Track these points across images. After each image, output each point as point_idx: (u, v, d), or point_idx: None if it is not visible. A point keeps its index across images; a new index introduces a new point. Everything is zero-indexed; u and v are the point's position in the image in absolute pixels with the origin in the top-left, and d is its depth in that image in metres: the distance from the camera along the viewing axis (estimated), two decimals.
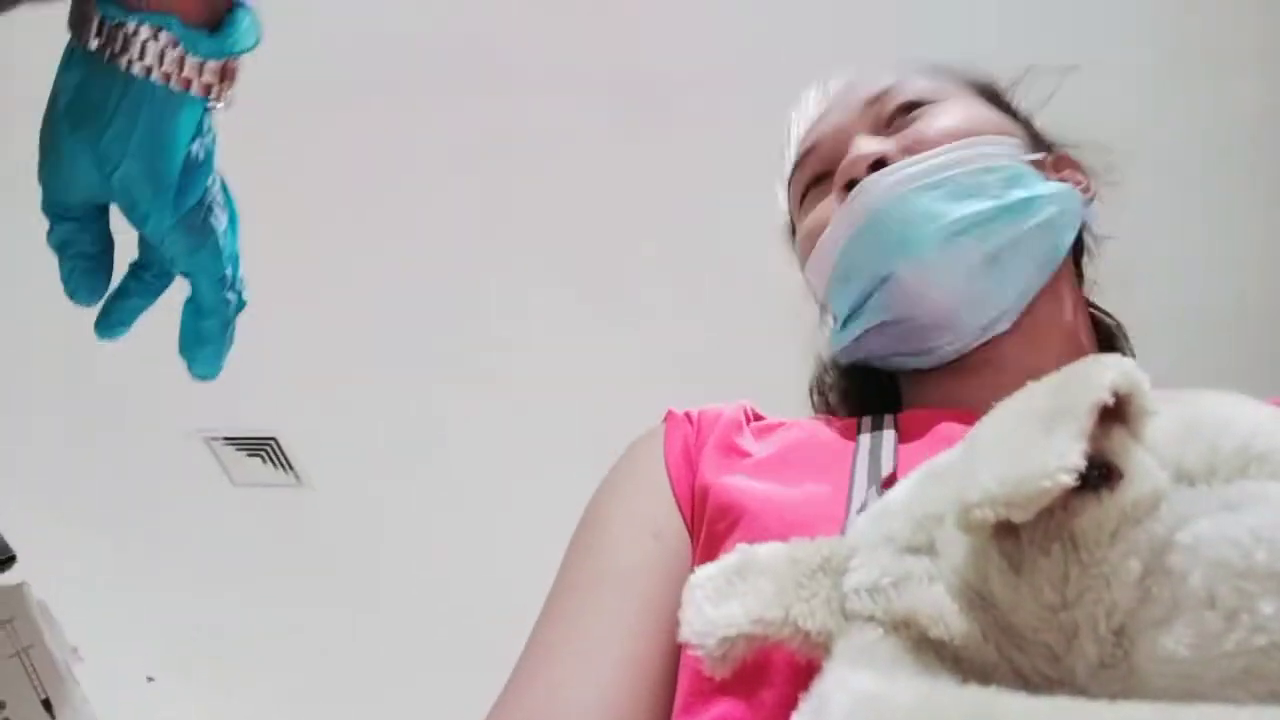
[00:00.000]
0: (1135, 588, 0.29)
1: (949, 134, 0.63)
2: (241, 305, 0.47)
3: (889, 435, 0.55)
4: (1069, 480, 0.28)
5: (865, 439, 0.55)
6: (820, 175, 0.69)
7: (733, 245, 1.94)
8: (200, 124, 0.43)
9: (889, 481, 0.49)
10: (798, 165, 0.71)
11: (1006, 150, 0.64)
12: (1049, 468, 0.29)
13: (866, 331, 0.64)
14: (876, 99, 0.67)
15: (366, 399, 2.46)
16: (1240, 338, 1.85)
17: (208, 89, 0.42)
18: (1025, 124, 0.70)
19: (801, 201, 0.71)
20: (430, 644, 3.03)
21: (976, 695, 0.26)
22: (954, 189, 0.60)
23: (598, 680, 0.49)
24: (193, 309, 0.47)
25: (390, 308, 2.26)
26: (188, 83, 0.41)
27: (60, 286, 0.46)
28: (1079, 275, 0.70)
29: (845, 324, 0.65)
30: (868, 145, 0.64)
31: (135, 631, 3.20)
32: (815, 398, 0.76)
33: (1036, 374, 0.35)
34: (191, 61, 0.40)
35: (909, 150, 0.63)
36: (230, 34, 0.41)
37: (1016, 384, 0.38)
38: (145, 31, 0.39)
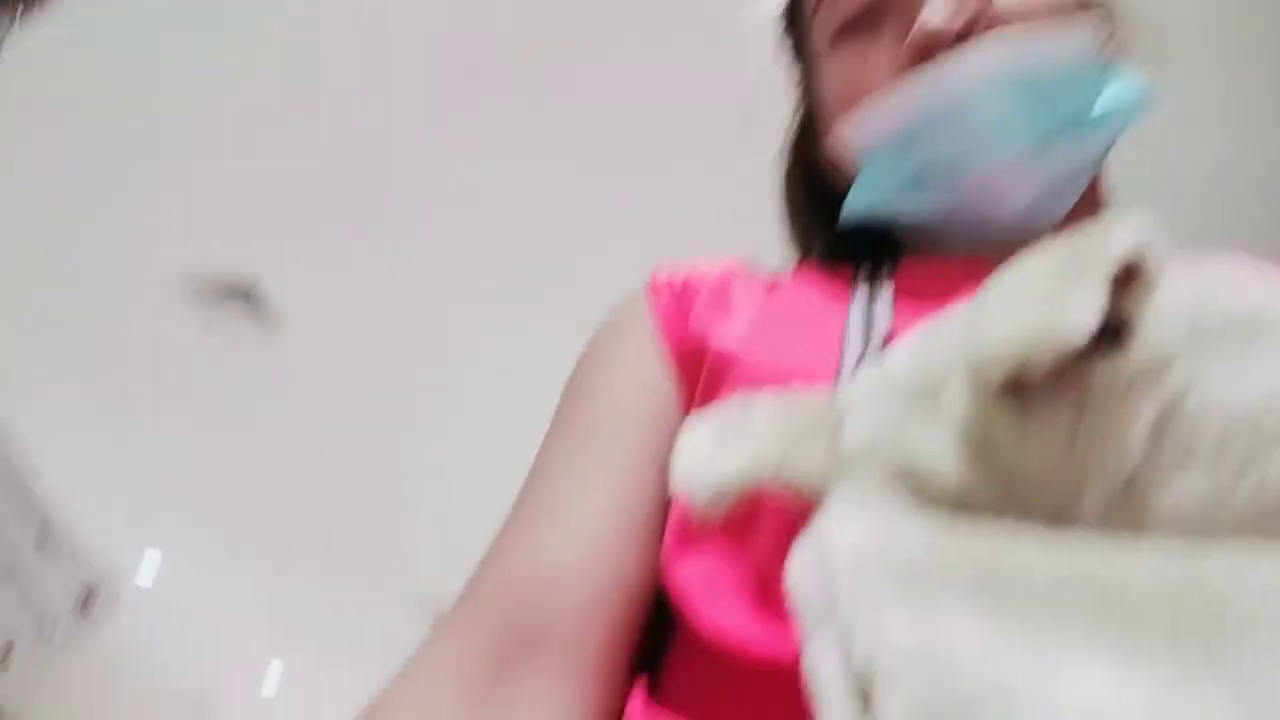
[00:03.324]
0: (1147, 440, 0.29)
1: (1042, 6, 0.56)
2: None
3: (885, 289, 0.54)
4: (1090, 331, 0.28)
5: (861, 292, 0.55)
6: (871, 10, 0.60)
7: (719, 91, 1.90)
8: None
9: (886, 340, 0.49)
10: None
11: (1094, 32, 0.58)
12: (1069, 318, 0.28)
13: (909, 213, 0.60)
14: None
15: (342, 244, 2.44)
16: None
17: None
18: None
19: (839, 31, 0.62)
20: (409, 471, 3.09)
21: (992, 534, 0.26)
22: (1049, 86, 0.54)
23: (582, 537, 0.49)
24: None
25: (370, 150, 2.21)
26: None
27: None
28: None
29: (884, 193, 0.60)
30: (950, 7, 0.55)
31: (124, 465, 3.22)
32: (793, 232, 0.73)
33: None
34: None
35: (999, 18, 0.56)
36: None
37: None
38: None
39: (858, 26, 0.61)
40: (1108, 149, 0.60)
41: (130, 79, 2.08)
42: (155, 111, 2.12)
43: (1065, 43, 0.56)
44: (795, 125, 0.74)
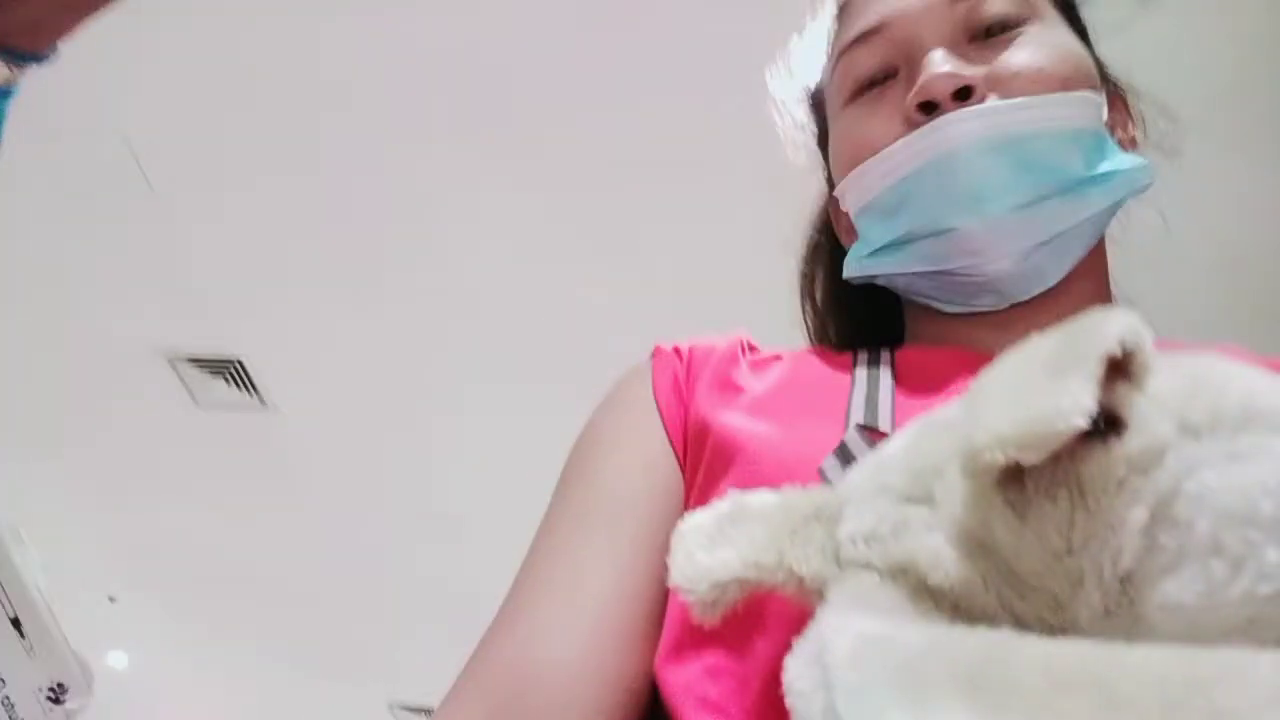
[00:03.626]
0: (1141, 535, 0.29)
1: (1042, 76, 0.58)
2: None
3: (886, 377, 0.54)
4: (1083, 422, 0.28)
5: (861, 380, 0.55)
6: (883, 71, 0.62)
7: (724, 164, 1.92)
8: None
9: (884, 434, 0.48)
10: (856, 40, 0.63)
11: (1094, 108, 0.59)
12: (1063, 408, 0.28)
13: (899, 274, 0.61)
14: (967, 6, 0.60)
15: (333, 323, 2.43)
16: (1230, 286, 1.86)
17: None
18: (1091, 49, 0.65)
19: (851, 95, 0.64)
20: (393, 566, 3.04)
21: (989, 636, 0.26)
22: (1039, 153, 0.56)
23: (576, 631, 0.48)
24: None
25: (361, 231, 2.22)
26: None
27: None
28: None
29: (876, 253, 0.61)
30: (953, 66, 0.57)
31: (97, 552, 3.18)
32: (806, 311, 0.73)
33: (1052, 320, 0.33)
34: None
35: (998, 85, 0.57)
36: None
37: (1028, 325, 0.37)
38: None
39: (869, 89, 0.63)
40: (1102, 224, 0.60)
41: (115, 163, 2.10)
42: (140, 189, 2.13)
43: (1062, 110, 0.57)
44: (818, 210, 0.76)
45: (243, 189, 2.16)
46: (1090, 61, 0.62)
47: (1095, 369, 0.30)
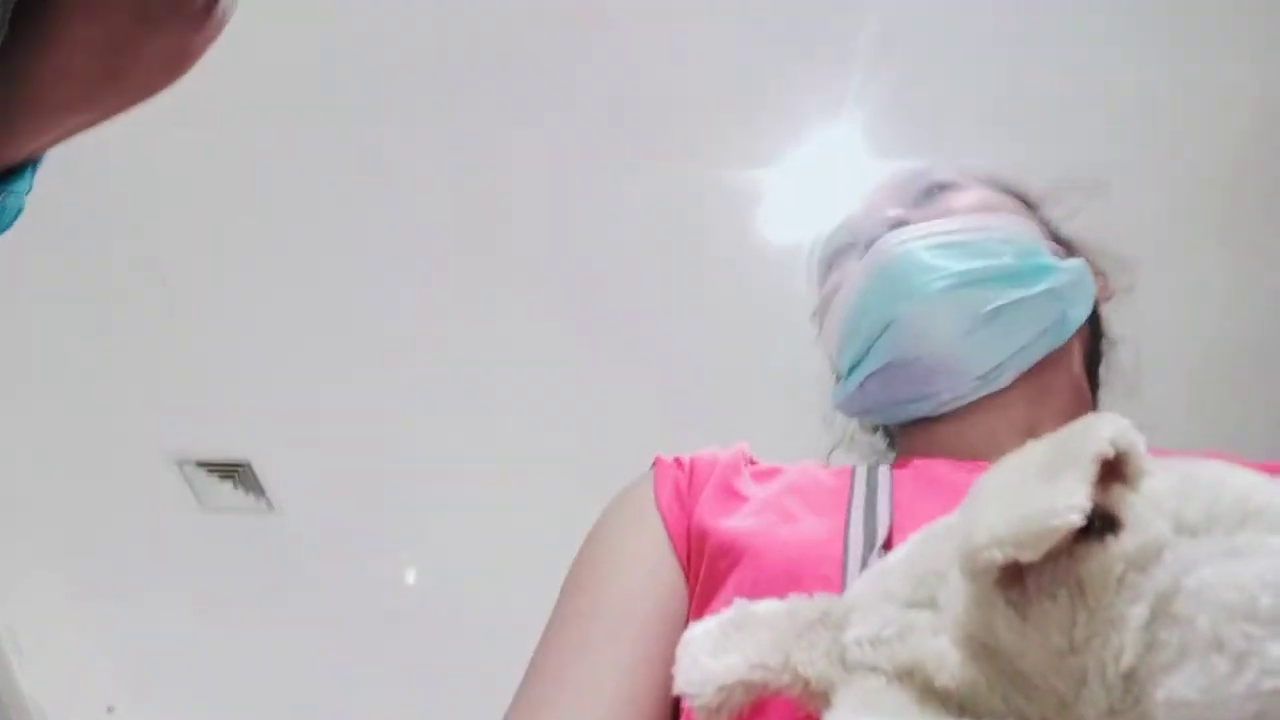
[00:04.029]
0: (1142, 632, 0.29)
1: (971, 208, 0.67)
2: None
3: (884, 474, 0.56)
4: (1077, 519, 0.29)
5: (862, 476, 0.56)
6: (846, 245, 0.71)
7: (722, 280, 1.96)
8: None
9: (888, 543, 0.49)
10: (828, 242, 0.74)
11: (1024, 226, 0.67)
12: (1057, 507, 0.29)
13: (870, 377, 0.65)
14: (908, 181, 0.71)
15: (341, 426, 2.44)
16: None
17: None
18: (1048, 227, 0.72)
19: (828, 272, 0.73)
20: (400, 672, 2.98)
21: None
22: (964, 250, 0.63)
23: None
24: None
25: (368, 336, 2.24)
26: None
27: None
28: (1093, 375, 0.72)
29: (850, 373, 0.67)
30: (891, 210, 0.67)
31: (97, 659, 3.13)
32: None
33: (1035, 431, 0.35)
34: None
35: (934, 219, 0.66)
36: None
37: (1014, 438, 0.39)
38: None
39: (839, 257, 0.72)
40: (1055, 324, 0.64)
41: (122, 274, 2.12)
42: (148, 298, 2.16)
43: (990, 220, 0.65)
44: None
45: (247, 293, 2.18)
46: (1023, 211, 0.70)
47: (1089, 469, 0.30)
